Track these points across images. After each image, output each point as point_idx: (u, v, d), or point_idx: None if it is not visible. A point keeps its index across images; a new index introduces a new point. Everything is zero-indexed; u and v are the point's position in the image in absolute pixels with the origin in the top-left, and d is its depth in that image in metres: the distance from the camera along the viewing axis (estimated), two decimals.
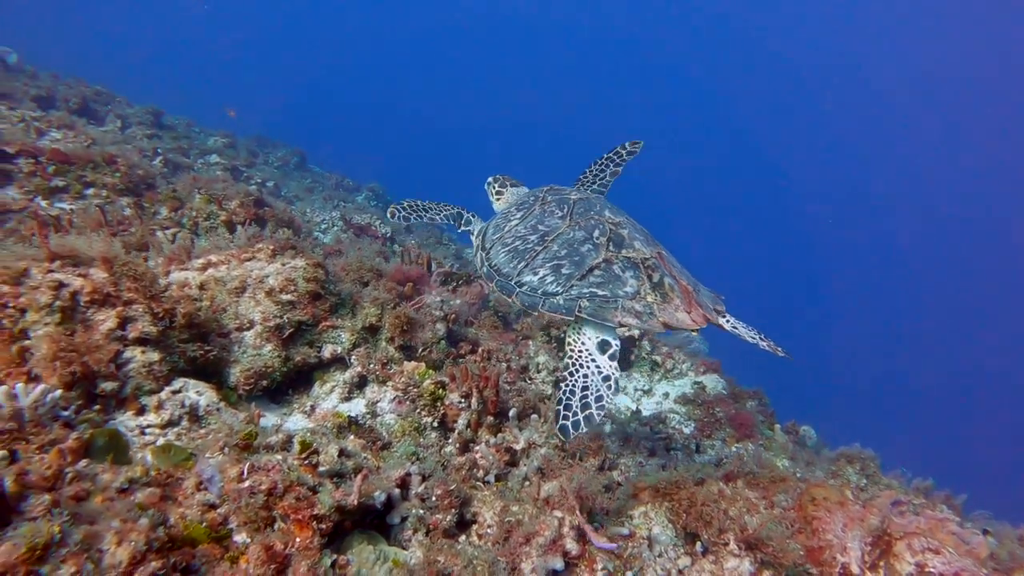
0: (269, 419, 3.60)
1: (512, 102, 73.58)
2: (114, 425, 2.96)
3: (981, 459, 23.54)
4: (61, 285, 3.20)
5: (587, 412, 2.91)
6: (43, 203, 5.51)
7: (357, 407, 3.88)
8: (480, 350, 5.62)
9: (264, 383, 3.70)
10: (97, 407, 2.96)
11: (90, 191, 5.93)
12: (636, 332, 8.08)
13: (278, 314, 3.79)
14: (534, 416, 3.94)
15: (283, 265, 3.99)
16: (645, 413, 7.30)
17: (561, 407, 2.93)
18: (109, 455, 2.64)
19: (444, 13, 78.01)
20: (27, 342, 3.05)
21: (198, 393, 3.20)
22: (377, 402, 3.93)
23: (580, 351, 3.12)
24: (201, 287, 3.86)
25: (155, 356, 3.18)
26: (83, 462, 2.58)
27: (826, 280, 49.14)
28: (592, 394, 2.97)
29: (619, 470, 4.63)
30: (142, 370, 3.12)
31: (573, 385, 3.02)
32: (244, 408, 3.49)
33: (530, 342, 6.70)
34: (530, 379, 6.12)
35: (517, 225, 3.61)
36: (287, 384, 3.89)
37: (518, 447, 3.67)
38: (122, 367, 3.08)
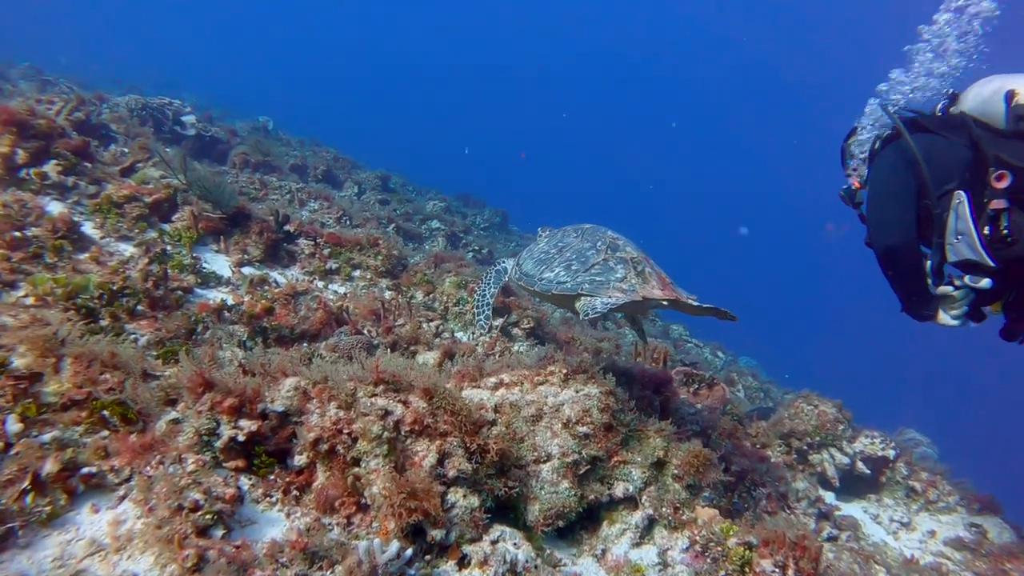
0: (565, 563, 3.38)
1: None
2: None
3: None
4: (386, 413, 3.22)
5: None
6: (320, 284, 5.90)
7: (649, 556, 3.55)
8: (731, 468, 5.13)
9: (560, 523, 3.48)
10: (428, 557, 2.88)
11: (357, 272, 6.29)
12: (889, 452, 7.05)
13: (576, 448, 3.59)
14: None
15: (576, 392, 3.81)
16: (908, 552, 6.27)
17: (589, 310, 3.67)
18: None
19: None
20: (357, 470, 3.07)
21: (515, 546, 3.03)
22: (668, 550, 3.57)
23: (588, 304, 3.76)
24: (496, 410, 3.77)
25: (475, 501, 3.07)
26: None
27: None
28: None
29: None
30: (465, 516, 3.01)
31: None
32: (543, 555, 3.29)
33: (782, 464, 6.03)
34: (789, 508, 5.47)
35: (542, 246, 4.57)
36: (576, 520, 3.65)
37: None
38: (447, 511, 2.99)
